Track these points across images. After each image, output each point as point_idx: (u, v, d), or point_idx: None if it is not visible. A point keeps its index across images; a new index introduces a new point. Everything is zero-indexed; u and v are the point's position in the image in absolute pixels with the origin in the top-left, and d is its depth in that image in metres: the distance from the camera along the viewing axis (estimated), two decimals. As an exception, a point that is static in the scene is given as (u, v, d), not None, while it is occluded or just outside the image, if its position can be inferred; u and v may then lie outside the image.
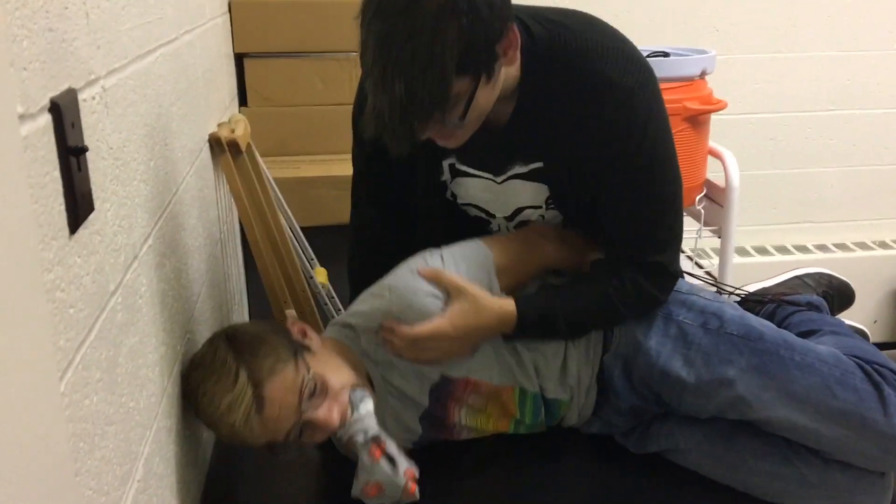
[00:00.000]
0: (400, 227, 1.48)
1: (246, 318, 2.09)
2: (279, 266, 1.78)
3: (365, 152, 1.42)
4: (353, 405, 1.22)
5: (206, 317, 1.48)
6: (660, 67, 2.17)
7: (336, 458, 1.40)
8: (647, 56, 2.25)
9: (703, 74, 2.25)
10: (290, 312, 1.79)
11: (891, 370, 1.24)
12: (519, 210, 1.36)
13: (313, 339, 1.28)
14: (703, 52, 2.28)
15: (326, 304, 1.95)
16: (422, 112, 1.05)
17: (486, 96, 1.13)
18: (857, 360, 1.25)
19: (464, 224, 1.43)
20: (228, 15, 2.19)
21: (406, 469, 1.17)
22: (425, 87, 1.03)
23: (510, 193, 1.34)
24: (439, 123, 1.10)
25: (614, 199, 1.27)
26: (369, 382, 1.32)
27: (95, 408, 0.80)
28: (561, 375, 1.33)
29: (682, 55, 2.27)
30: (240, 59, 2.26)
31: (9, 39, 0.64)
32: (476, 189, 1.36)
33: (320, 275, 1.99)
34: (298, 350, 1.22)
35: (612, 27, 1.27)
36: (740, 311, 1.33)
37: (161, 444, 1.08)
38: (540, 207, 1.35)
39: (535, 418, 1.36)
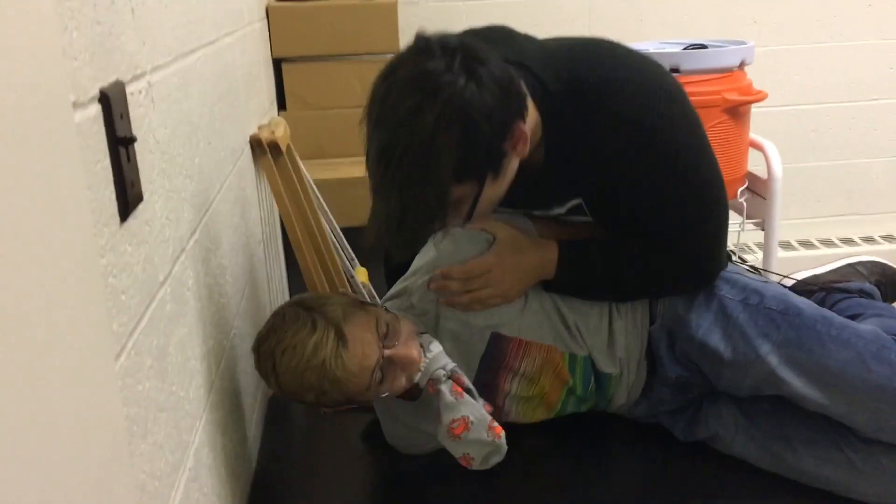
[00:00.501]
0: None
1: (289, 318, 2.11)
2: (320, 266, 1.80)
3: None
4: (424, 347, 1.23)
5: (250, 314, 1.50)
6: (698, 59, 2.16)
7: (380, 452, 1.40)
8: (685, 49, 2.24)
9: (741, 65, 2.22)
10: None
11: None
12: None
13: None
14: (742, 43, 2.26)
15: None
16: (417, 226, 1.08)
17: (496, 190, 1.14)
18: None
19: None
20: (266, 21, 2.22)
21: (485, 403, 1.21)
22: (420, 202, 1.05)
23: (569, 219, 1.36)
24: (441, 230, 1.15)
25: (656, 219, 1.27)
26: None
27: (147, 394, 0.82)
28: (609, 347, 1.34)
29: (720, 47, 2.25)
30: (278, 64, 2.29)
31: (60, 29, 0.66)
32: (515, 216, 1.39)
33: (361, 274, 2.01)
34: (364, 303, 1.25)
35: (630, 54, 1.25)
36: (783, 290, 1.33)
37: (210, 436, 1.09)
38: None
39: (586, 386, 1.35)
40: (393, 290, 1.42)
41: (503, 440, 1.18)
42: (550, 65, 1.21)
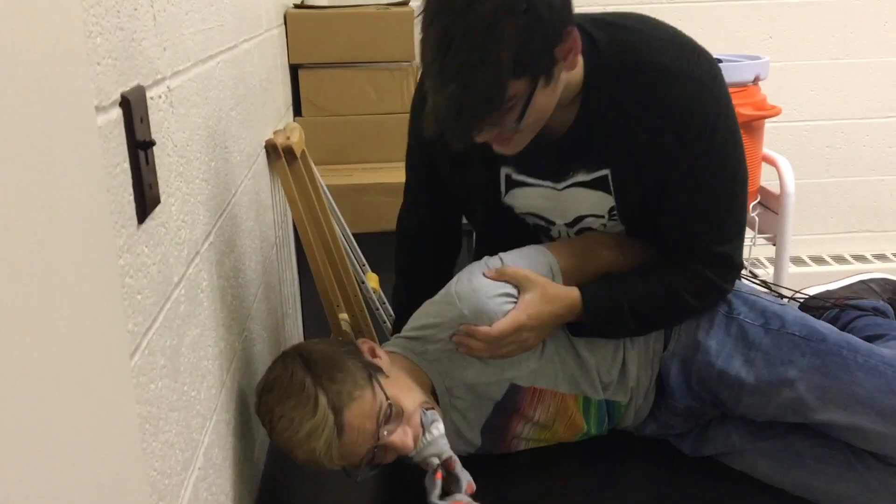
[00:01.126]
0: (441, 235, 1.51)
1: (300, 321, 2.13)
2: (332, 271, 1.81)
3: (419, 159, 1.44)
4: (425, 427, 1.21)
5: (262, 317, 1.51)
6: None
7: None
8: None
9: (756, 80, 2.23)
10: (343, 316, 1.82)
11: None
12: (580, 218, 1.35)
13: (382, 359, 1.27)
14: (757, 58, 2.26)
15: (378, 309, 1.98)
16: (476, 112, 1.06)
17: (545, 100, 1.12)
18: None
19: (524, 235, 1.41)
20: (284, 27, 2.24)
21: (467, 484, 1.19)
22: (480, 87, 1.03)
23: (570, 201, 1.32)
24: (495, 125, 1.10)
25: (685, 195, 1.24)
26: (434, 398, 1.31)
27: (160, 392, 0.83)
28: (621, 377, 1.33)
29: (735, 61, 2.26)
30: (294, 70, 2.32)
31: (84, 34, 0.68)
32: (534, 198, 1.35)
33: (372, 280, 2.02)
34: (372, 373, 1.21)
35: (671, 25, 1.25)
36: (802, 314, 1.31)
37: (220, 436, 1.10)
38: (602, 217, 1.33)
39: (600, 427, 1.36)
40: (408, 332, 1.35)
41: None
42: (603, 27, 1.21)
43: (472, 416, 1.33)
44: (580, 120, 1.22)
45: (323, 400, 1.14)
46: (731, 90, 2.11)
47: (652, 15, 1.26)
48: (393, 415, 1.19)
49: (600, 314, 1.27)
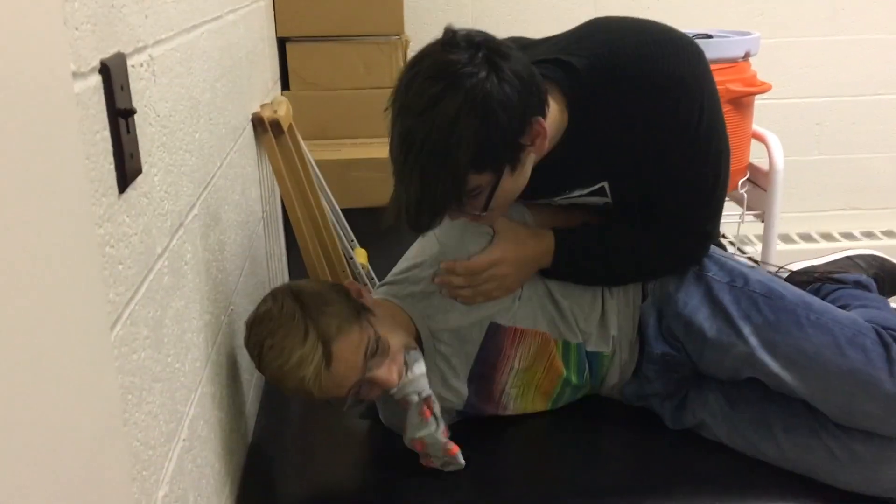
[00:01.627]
0: None
1: (287, 297, 2.12)
2: (320, 246, 1.81)
3: None
4: (408, 365, 1.26)
5: (248, 291, 1.51)
6: (702, 49, 2.16)
7: (375, 431, 1.42)
8: (690, 38, 2.24)
9: (746, 56, 2.22)
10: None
11: None
12: (573, 207, 1.40)
13: (367, 301, 1.30)
14: (747, 34, 2.25)
15: (366, 284, 1.97)
16: (436, 204, 1.11)
17: (513, 184, 1.17)
18: (876, 325, 1.26)
19: None
20: (271, 0, 2.22)
21: (444, 429, 1.25)
22: (440, 183, 1.09)
23: (565, 204, 1.38)
24: (458, 213, 1.17)
25: (673, 182, 1.29)
26: (419, 344, 1.35)
27: (143, 363, 0.83)
28: (601, 327, 1.36)
29: (725, 37, 2.25)
30: (282, 43, 2.29)
31: (62, -1, 0.66)
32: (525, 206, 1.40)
33: (360, 255, 2.02)
34: (361, 311, 1.26)
35: (639, 21, 1.27)
36: (768, 276, 1.35)
37: (205, 409, 1.10)
38: (596, 205, 1.39)
39: (581, 375, 1.38)
40: (392, 277, 1.42)
41: (459, 457, 1.26)
42: (573, 48, 1.24)
43: (457, 362, 1.35)
44: (570, 148, 1.25)
45: (313, 330, 1.18)
46: (721, 66, 2.14)
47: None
48: (379, 350, 1.23)
49: (571, 258, 1.33)
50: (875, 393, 1.20)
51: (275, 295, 1.25)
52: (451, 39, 1.10)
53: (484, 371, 1.35)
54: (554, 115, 1.20)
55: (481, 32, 1.12)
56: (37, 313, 0.56)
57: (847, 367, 1.21)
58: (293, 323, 1.18)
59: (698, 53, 1.24)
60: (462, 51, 1.08)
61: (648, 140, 1.23)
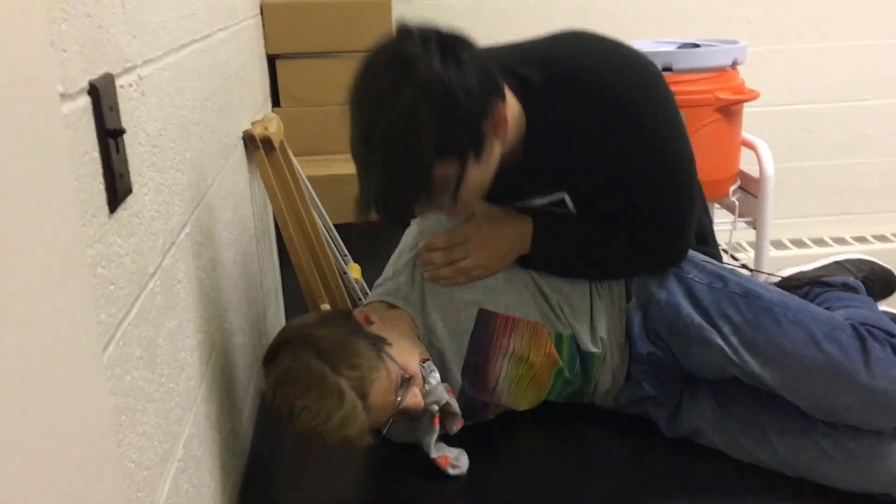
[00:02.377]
0: None
1: (282, 313, 2.12)
2: (313, 262, 1.81)
3: None
4: (424, 378, 1.26)
5: (242, 309, 1.50)
6: (690, 58, 2.17)
7: (373, 447, 1.41)
8: (678, 48, 2.25)
9: (734, 64, 2.23)
10: (325, 307, 1.81)
11: (883, 330, 1.26)
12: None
13: (377, 324, 1.29)
14: (734, 42, 2.27)
15: (360, 300, 1.97)
16: (404, 199, 1.11)
17: (480, 174, 1.16)
18: (853, 321, 1.28)
19: None
20: (260, 17, 2.23)
21: (441, 456, 1.27)
22: (404, 174, 1.08)
23: (526, 212, 1.39)
24: (428, 206, 1.16)
25: (634, 194, 1.31)
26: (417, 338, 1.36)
27: (136, 384, 0.82)
28: (590, 327, 1.37)
29: (712, 46, 2.26)
30: (272, 61, 2.30)
31: (48, 20, 0.66)
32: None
33: (354, 270, 2.02)
34: (379, 347, 1.23)
35: (599, 39, 1.28)
36: (746, 278, 1.37)
37: (200, 428, 1.10)
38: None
39: (573, 367, 1.38)
40: (382, 278, 1.44)
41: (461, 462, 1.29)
42: (530, 59, 1.25)
43: (450, 353, 1.35)
44: (528, 154, 1.26)
45: (347, 388, 1.15)
46: (709, 74, 2.15)
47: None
48: (404, 381, 1.23)
49: (549, 243, 1.35)
50: (852, 385, 1.21)
51: (291, 350, 1.20)
52: (404, 31, 1.10)
53: (477, 361, 1.35)
54: (513, 110, 1.20)
55: (435, 25, 1.12)
56: (26, 335, 0.56)
57: (824, 361, 1.23)
58: (325, 384, 1.15)
59: (654, 74, 1.26)
60: (416, 40, 1.07)
61: (600, 156, 1.25)
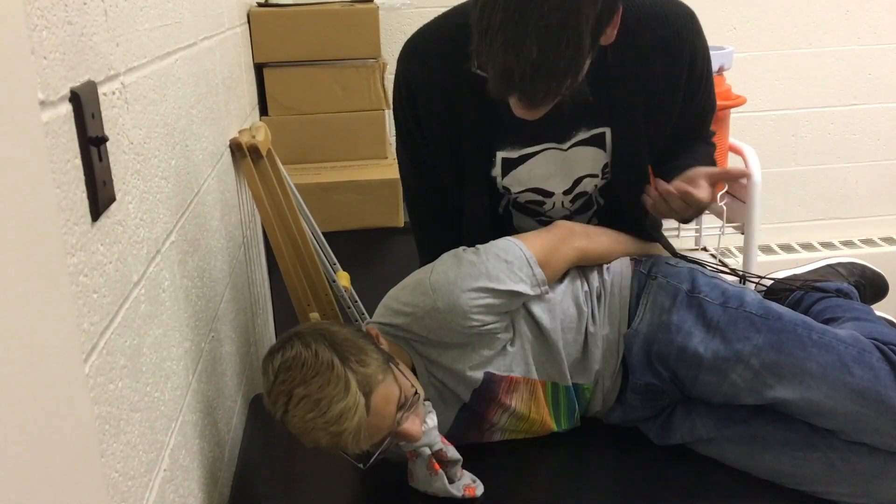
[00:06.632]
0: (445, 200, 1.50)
1: (270, 321, 2.11)
2: (302, 270, 1.80)
3: (409, 152, 1.47)
4: (422, 417, 1.22)
5: (230, 318, 1.49)
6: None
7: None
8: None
9: (720, 70, 2.24)
10: (314, 315, 1.80)
11: None
12: (579, 180, 1.41)
13: (384, 344, 1.26)
14: (721, 48, 2.28)
15: (349, 308, 1.96)
16: (554, 77, 1.05)
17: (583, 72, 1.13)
18: (875, 341, 1.24)
19: (507, 226, 1.48)
20: (248, 25, 2.22)
21: (465, 486, 1.22)
22: (561, 53, 1.02)
23: (573, 161, 1.39)
24: (563, 94, 1.09)
25: (687, 116, 1.40)
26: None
27: (120, 393, 0.82)
28: (583, 359, 1.34)
29: (699, 52, 2.26)
30: (259, 69, 2.30)
31: (28, 28, 0.66)
32: (540, 167, 1.39)
33: (343, 279, 2.01)
34: (389, 359, 1.20)
35: None
36: (761, 297, 1.33)
37: (187, 438, 1.09)
38: (596, 176, 1.42)
39: (571, 418, 1.37)
40: (382, 319, 1.33)
41: (479, 490, 1.24)
42: None
43: (449, 395, 1.32)
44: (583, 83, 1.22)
45: (353, 381, 1.11)
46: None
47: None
48: (410, 401, 1.18)
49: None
50: (885, 411, 1.18)
51: (303, 339, 1.15)
52: None
53: (478, 409, 1.33)
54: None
55: None
56: (5, 344, 0.55)
57: (855, 385, 1.19)
58: (332, 373, 1.10)
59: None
60: None
61: (655, 71, 1.31)
